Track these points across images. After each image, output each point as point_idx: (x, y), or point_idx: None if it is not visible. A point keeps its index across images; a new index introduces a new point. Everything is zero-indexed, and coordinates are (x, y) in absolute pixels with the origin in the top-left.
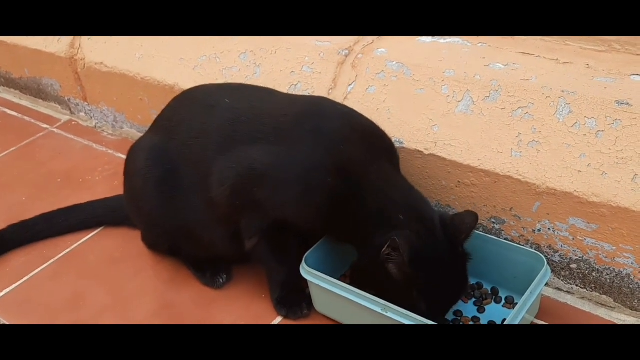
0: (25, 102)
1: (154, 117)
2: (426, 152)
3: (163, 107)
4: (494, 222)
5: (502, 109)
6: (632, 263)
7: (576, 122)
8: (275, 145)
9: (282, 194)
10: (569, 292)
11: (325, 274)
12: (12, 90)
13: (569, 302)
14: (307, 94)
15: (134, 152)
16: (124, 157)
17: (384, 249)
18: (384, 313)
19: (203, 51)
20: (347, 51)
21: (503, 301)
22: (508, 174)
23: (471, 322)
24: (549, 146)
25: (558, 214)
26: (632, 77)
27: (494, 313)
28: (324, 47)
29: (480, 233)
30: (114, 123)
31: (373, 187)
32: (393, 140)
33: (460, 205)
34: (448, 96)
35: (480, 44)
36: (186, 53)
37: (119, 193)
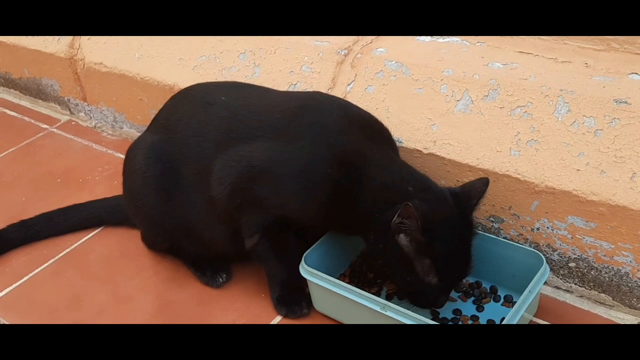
0: (25, 102)
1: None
2: (425, 151)
3: None
4: (492, 221)
5: (500, 108)
6: (630, 261)
7: (575, 121)
8: (274, 141)
9: (282, 190)
10: (567, 291)
11: (325, 273)
12: (11, 90)
13: (567, 301)
14: None
15: (133, 150)
16: (124, 157)
17: (395, 217)
18: (383, 312)
19: (202, 51)
20: (346, 51)
21: (502, 300)
22: (507, 172)
23: (470, 321)
24: (547, 145)
25: (557, 213)
26: (630, 76)
27: (493, 312)
28: (323, 47)
29: (479, 232)
30: (114, 123)
31: (378, 167)
32: None
33: None
34: (447, 95)
35: (479, 43)
36: (185, 53)
37: (119, 193)
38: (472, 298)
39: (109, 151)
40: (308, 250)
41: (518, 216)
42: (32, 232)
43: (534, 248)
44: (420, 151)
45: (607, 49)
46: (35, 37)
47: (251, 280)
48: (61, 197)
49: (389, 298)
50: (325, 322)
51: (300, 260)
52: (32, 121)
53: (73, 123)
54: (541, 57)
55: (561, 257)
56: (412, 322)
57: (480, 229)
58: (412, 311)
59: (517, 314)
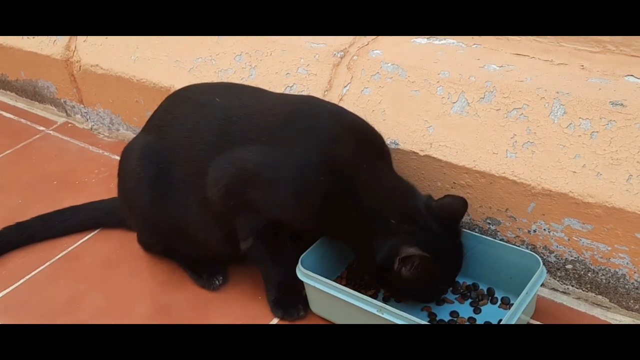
0: (21, 104)
1: None
2: (421, 153)
3: None
4: (489, 223)
5: (497, 110)
6: (627, 263)
7: (571, 123)
8: (267, 145)
9: (275, 194)
10: (564, 293)
11: (322, 276)
12: (8, 92)
13: (564, 303)
14: None
15: (127, 152)
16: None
17: (396, 265)
18: (380, 314)
19: (198, 53)
20: (342, 53)
21: (499, 302)
22: (503, 175)
23: (467, 323)
24: (543, 147)
25: (553, 215)
26: (626, 78)
27: (490, 314)
28: (319, 49)
29: (476, 234)
30: (110, 125)
31: (365, 187)
32: (388, 141)
33: None
34: (443, 97)
35: (475, 45)
36: (182, 55)
37: (115, 195)
38: (469, 300)
39: (106, 153)
40: (305, 253)
41: (515, 218)
42: (29, 235)
43: (530, 250)
44: (417, 153)
45: (603, 51)
46: (31, 39)
47: (248, 283)
48: (57, 199)
49: (385, 300)
50: (322, 324)
51: (296, 263)
52: (29, 123)
53: (69, 125)
54: (537, 59)
55: (558, 259)
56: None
57: (477, 231)
58: (409, 312)
59: (514, 316)
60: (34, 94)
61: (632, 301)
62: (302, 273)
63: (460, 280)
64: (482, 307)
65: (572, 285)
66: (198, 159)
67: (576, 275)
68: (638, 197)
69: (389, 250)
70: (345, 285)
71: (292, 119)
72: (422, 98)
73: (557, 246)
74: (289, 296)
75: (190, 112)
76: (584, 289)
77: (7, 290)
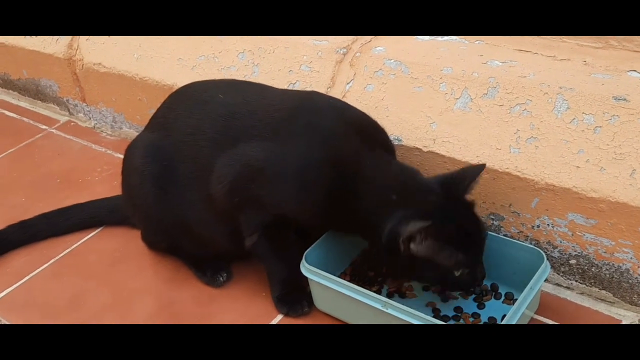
0: (24, 103)
1: None
2: (425, 149)
3: None
4: (493, 219)
5: (500, 105)
6: (631, 258)
7: (574, 118)
8: (271, 141)
9: (279, 190)
10: (568, 288)
11: (326, 272)
12: (10, 91)
13: (568, 298)
14: None
15: (131, 149)
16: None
17: (401, 244)
18: (385, 310)
19: (201, 51)
20: (345, 50)
21: (503, 297)
22: (507, 170)
23: (471, 319)
24: (547, 142)
25: (557, 210)
26: (629, 73)
27: (494, 309)
28: (322, 46)
29: None
30: (113, 123)
31: (369, 173)
32: (391, 138)
33: None
34: (446, 94)
35: (477, 42)
36: (184, 53)
37: (118, 193)
38: (473, 296)
39: (108, 151)
40: (309, 249)
41: (518, 213)
42: (32, 233)
43: (534, 245)
44: (420, 149)
45: (605, 46)
46: (34, 37)
47: (252, 280)
48: (61, 197)
49: (390, 296)
50: (326, 320)
51: (300, 259)
52: (31, 122)
53: (72, 124)
54: (540, 55)
55: (562, 254)
56: (414, 320)
57: None
58: (413, 308)
59: (518, 312)
60: (36, 93)
61: (635, 296)
62: (306, 269)
63: None
64: (486, 303)
65: (576, 280)
66: (202, 156)
67: (580, 270)
68: None
69: (390, 232)
70: (349, 281)
71: (295, 114)
72: (425, 94)
73: (560, 241)
74: (293, 292)
75: (194, 109)
76: (587, 284)
77: (11, 288)
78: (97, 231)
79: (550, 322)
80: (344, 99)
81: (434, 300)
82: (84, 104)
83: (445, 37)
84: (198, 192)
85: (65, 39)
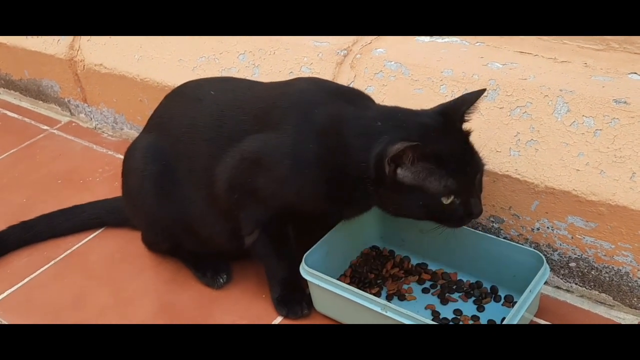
0: (25, 103)
1: None
2: None
3: None
4: (492, 221)
5: (500, 108)
6: (630, 261)
7: (574, 121)
8: (260, 132)
9: (275, 177)
10: (568, 291)
11: (325, 274)
12: (12, 92)
13: (568, 301)
14: None
15: (130, 151)
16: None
17: (386, 166)
18: (384, 312)
19: (202, 52)
20: (345, 51)
21: (502, 300)
22: (507, 173)
23: (471, 321)
24: (547, 145)
25: (557, 213)
26: (629, 76)
27: (494, 312)
28: (322, 48)
29: (479, 232)
30: (114, 124)
31: (352, 121)
32: None
33: None
34: (446, 96)
35: (478, 44)
36: (185, 54)
37: (119, 194)
38: (473, 298)
39: (110, 152)
40: (309, 251)
41: (518, 216)
42: (33, 234)
43: (534, 248)
44: None
45: (606, 48)
46: (35, 38)
47: (252, 281)
48: (62, 198)
49: (389, 298)
50: (325, 322)
51: (300, 260)
52: (33, 122)
53: (73, 124)
54: (540, 57)
55: (561, 257)
56: (413, 323)
57: (480, 229)
58: (412, 311)
59: (517, 314)
60: (38, 93)
61: (635, 299)
62: (306, 271)
63: (463, 278)
64: (485, 305)
65: (576, 283)
66: (198, 154)
67: (580, 273)
68: None
69: (376, 156)
70: (348, 284)
71: (278, 101)
72: (426, 96)
73: (560, 244)
74: (293, 294)
75: (187, 108)
76: (587, 286)
77: (12, 289)
78: (98, 232)
79: (549, 324)
80: None
81: (434, 302)
82: (85, 105)
83: (446, 39)
84: (197, 190)
85: (67, 40)
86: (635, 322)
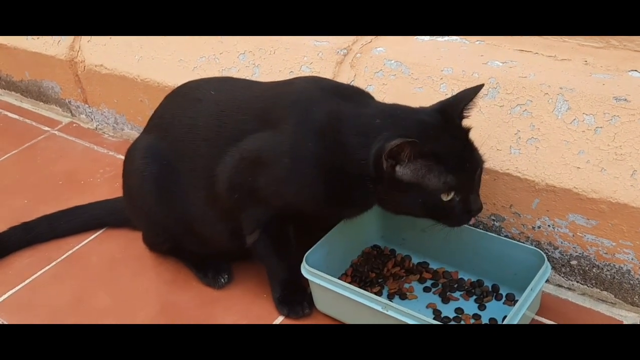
0: (26, 104)
1: None
2: None
3: None
4: (493, 220)
5: (500, 106)
6: (632, 259)
7: (574, 119)
8: (259, 131)
9: (274, 176)
10: (569, 289)
11: (326, 273)
12: (12, 93)
13: (569, 299)
14: None
15: (130, 152)
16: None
17: (384, 162)
18: (385, 311)
19: (202, 52)
20: (345, 50)
21: (504, 298)
22: (507, 171)
23: (472, 320)
24: (547, 143)
25: (557, 211)
26: (630, 73)
27: (495, 310)
28: (322, 47)
29: (480, 230)
30: (115, 125)
31: (350, 119)
32: None
33: None
34: (446, 94)
35: (478, 42)
36: (185, 54)
37: (120, 194)
38: (474, 297)
39: (111, 153)
40: (309, 250)
41: (519, 214)
42: (34, 235)
43: (535, 246)
44: None
45: (606, 46)
46: (36, 39)
47: (253, 281)
48: (63, 199)
49: (390, 298)
50: (327, 322)
51: (301, 259)
52: (34, 124)
53: (74, 125)
54: (540, 55)
55: (562, 255)
56: (414, 322)
57: (481, 227)
58: (413, 310)
59: (519, 313)
60: (38, 95)
61: (637, 297)
62: (307, 271)
63: (465, 277)
64: (487, 304)
65: (577, 281)
66: (199, 154)
67: (581, 271)
68: None
69: (374, 153)
70: (350, 283)
71: (278, 101)
72: (426, 95)
73: (561, 242)
74: (294, 294)
75: (187, 108)
76: (588, 284)
77: (14, 290)
78: (99, 233)
79: (551, 323)
80: None
81: (435, 301)
82: (86, 106)
83: (446, 38)
84: (198, 190)
85: (67, 41)
86: (637, 320)
